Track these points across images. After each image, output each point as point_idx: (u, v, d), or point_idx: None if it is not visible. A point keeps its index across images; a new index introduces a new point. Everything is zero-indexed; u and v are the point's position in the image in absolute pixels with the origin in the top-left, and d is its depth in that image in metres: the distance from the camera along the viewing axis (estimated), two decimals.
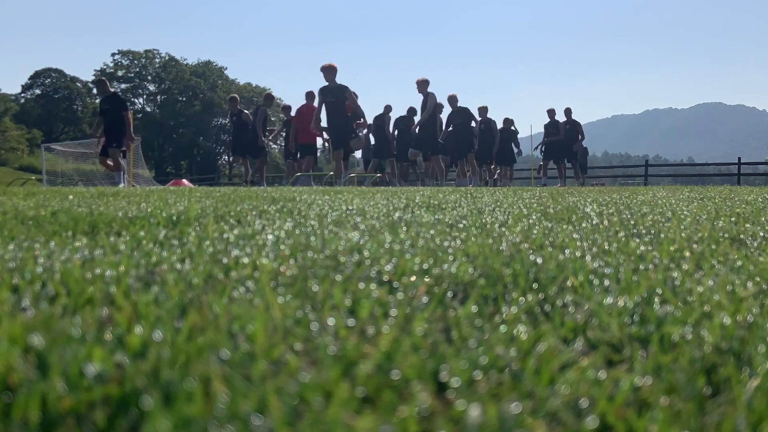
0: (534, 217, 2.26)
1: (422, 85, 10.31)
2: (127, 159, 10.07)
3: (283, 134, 11.65)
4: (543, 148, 13.15)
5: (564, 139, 12.79)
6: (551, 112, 13.05)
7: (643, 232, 1.79)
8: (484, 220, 2.07)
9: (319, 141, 10.51)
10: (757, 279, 1.11)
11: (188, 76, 55.94)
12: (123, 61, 56.72)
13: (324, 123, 9.33)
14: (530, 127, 13.34)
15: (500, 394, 0.58)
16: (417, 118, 10.91)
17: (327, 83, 8.98)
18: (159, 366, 0.58)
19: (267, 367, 0.60)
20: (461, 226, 1.88)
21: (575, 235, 1.65)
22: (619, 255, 1.33)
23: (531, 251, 1.34)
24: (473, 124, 11.54)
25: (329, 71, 8.92)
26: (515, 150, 13.10)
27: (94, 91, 55.55)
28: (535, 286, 1.02)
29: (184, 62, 58.31)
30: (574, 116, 13.12)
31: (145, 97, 57.26)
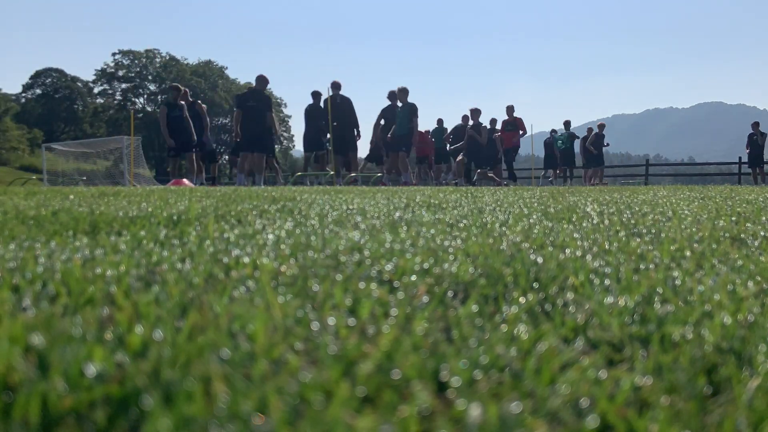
0: (535, 216, 2.26)
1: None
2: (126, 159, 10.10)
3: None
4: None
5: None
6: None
7: (644, 231, 1.78)
8: (484, 220, 2.07)
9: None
10: (758, 278, 1.10)
11: (189, 75, 55.96)
12: (124, 61, 56.77)
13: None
14: (531, 126, 13.52)
15: (501, 393, 0.58)
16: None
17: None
18: (159, 365, 0.58)
19: (267, 366, 0.60)
20: (462, 225, 1.88)
21: (576, 235, 1.65)
22: (620, 254, 1.33)
23: (531, 251, 1.34)
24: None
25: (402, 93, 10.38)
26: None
27: (95, 90, 55.50)
28: (535, 285, 1.02)
29: (185, 62, 58.36)
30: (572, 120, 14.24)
31: (145, 96, 57.28)
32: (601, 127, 14.45)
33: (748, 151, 14.56)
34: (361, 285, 0.96)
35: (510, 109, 12.85)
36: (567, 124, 14.89)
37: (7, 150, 46.68)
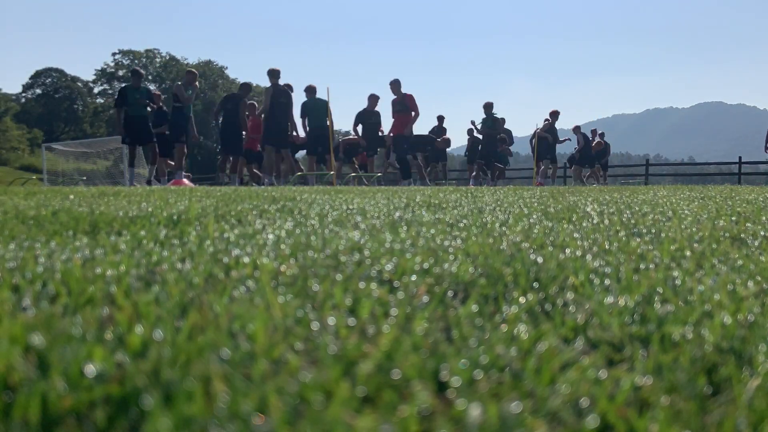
0: (535, 216, 2.26)
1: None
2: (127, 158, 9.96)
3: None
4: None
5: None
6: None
7: (644, 231, 1.78)
8: (484, 220, 2.07)
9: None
10: (758, 278, 1.10)
11: None
12: (124, 61, 56.76)
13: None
14: (535, 125, 13.48)
15: (501, 393, 0.58)
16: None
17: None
18: (159, 365, 0.58)
19: (267, 366, 0.60)
20: (462, 225, 1.88)
21: (576, 235, 1.65)
22: (620, 254, 1.33)
23: (531, 250, 1.34)
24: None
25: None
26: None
27: (95, 90, 55.40)
28: (535, 285, 1.02)
29: (185, 62, 58.35)
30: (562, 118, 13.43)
31: None
32: (575, 129, 14.20)
33: None
34: (361, 285, 0.96)
35: (395, 85, 10.21)
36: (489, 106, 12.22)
37: (7, 150, 46.68)
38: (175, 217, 1.98)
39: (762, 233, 1.76)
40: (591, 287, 1.01)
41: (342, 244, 1.37)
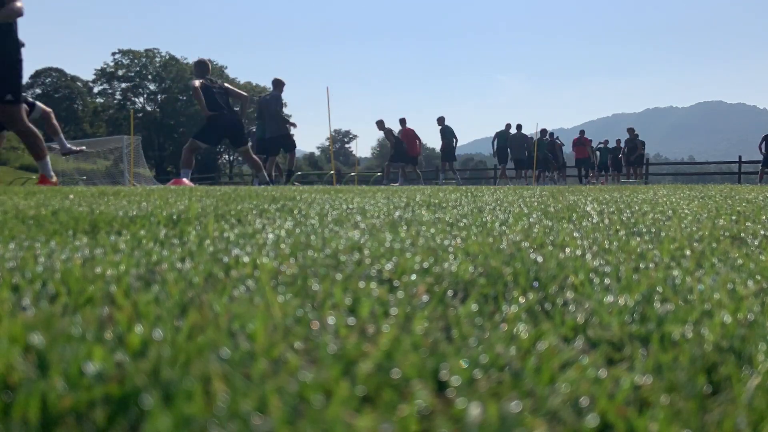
0: (534, 215, 2.26)
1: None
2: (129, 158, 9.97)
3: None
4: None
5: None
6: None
7: (644, 230, 1.78)
8: (484, 219, 2.07)
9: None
10: (758, 277, 1.10)
11: (189, 75, 55.93)
12: (123, 60, 56.77)
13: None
14: (536, 125, 13.49)
15: (500, 392, 0.58)
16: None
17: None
18: (159, 365, 0.58)
19: (267, 366, 0.60)
20: (461, 224, 1.88)
21: (576, 234, 1.65)
22: (620, 253, 1.33)
23: (531, 250, 1.34)
24: None
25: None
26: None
27: (95, 90, 55.34)
28: (535, 284, 1.02)
29: (185, 61, 58.33)
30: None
31: (145, 96, 57.31)
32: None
33: (763, 153, 14.74)
34: (361, 284, 0.96)
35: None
36: (543, 132, 16.29)
37: (6, 150, 46.63)
38: (174, 217, 1.98)
39: (762, 232, 1.76)
40: (591, 286, 1.01)
41: (342, 243, 1.37)
